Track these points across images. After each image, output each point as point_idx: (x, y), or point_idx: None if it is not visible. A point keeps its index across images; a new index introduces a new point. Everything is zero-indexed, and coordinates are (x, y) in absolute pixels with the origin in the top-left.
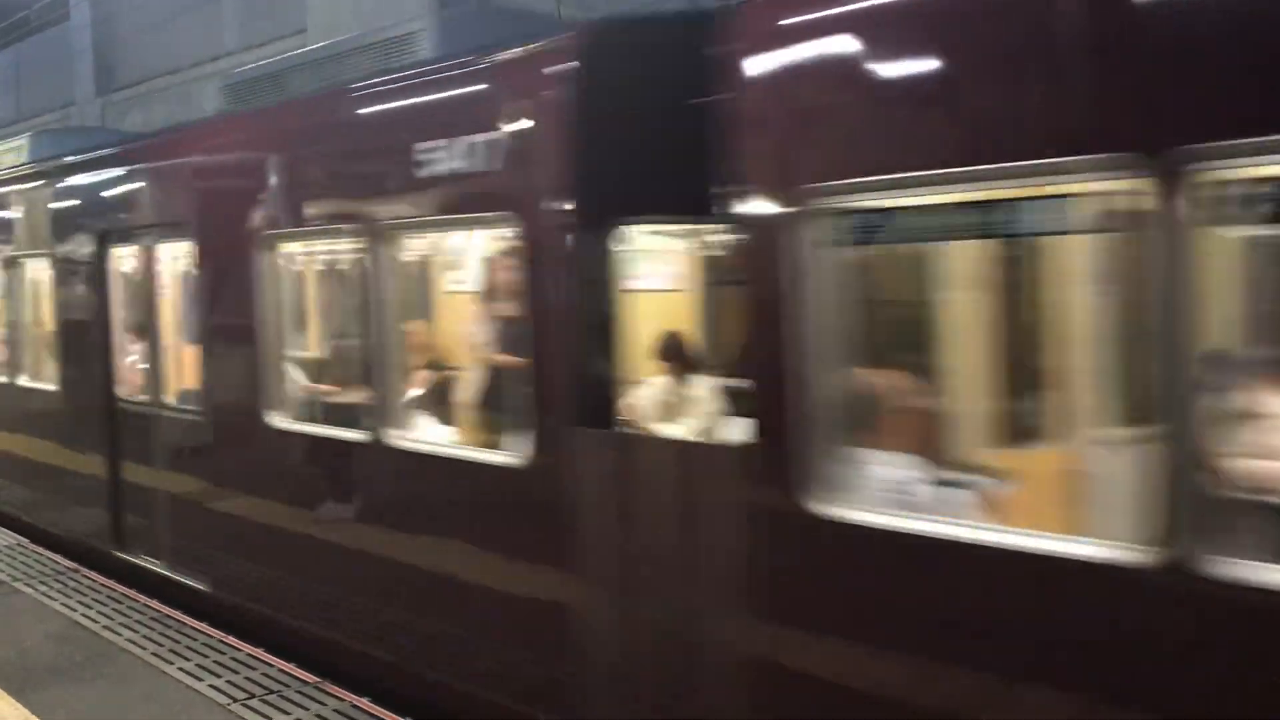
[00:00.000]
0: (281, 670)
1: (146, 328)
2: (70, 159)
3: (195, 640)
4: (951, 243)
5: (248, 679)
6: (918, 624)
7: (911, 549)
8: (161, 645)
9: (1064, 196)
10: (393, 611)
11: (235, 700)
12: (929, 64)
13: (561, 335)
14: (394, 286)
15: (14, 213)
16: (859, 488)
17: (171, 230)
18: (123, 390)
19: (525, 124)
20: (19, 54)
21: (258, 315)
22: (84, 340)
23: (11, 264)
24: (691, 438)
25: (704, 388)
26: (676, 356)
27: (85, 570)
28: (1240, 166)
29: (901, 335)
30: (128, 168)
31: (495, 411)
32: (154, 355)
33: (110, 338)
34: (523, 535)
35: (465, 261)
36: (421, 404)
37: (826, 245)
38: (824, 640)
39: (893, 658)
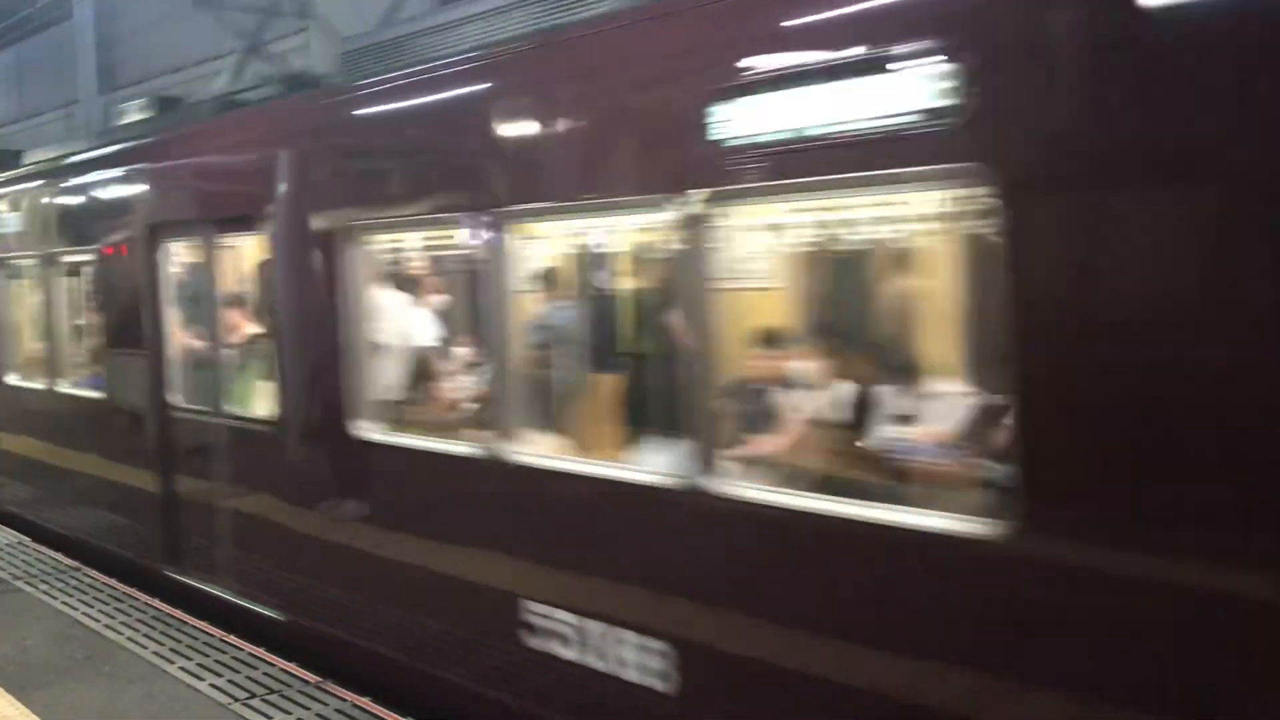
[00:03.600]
0: (283, 670)
1: None
2: None
3: (196, 639)
4: None
5: (248, 678)
6: None
7: None
8: (162, 644)
9: None
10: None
11: (236, 700)
12: None
13: None
14: None
15: None
16: None
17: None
18: None
19: None
20: (21, 52)
21: None
22: None
23: None
24: None
25: None
26: None
27: (86, 569)
28: None
29: None
30: None
31: None
32: None
33: None
34: None
35: None
36: None
37: None
38: None
39: None
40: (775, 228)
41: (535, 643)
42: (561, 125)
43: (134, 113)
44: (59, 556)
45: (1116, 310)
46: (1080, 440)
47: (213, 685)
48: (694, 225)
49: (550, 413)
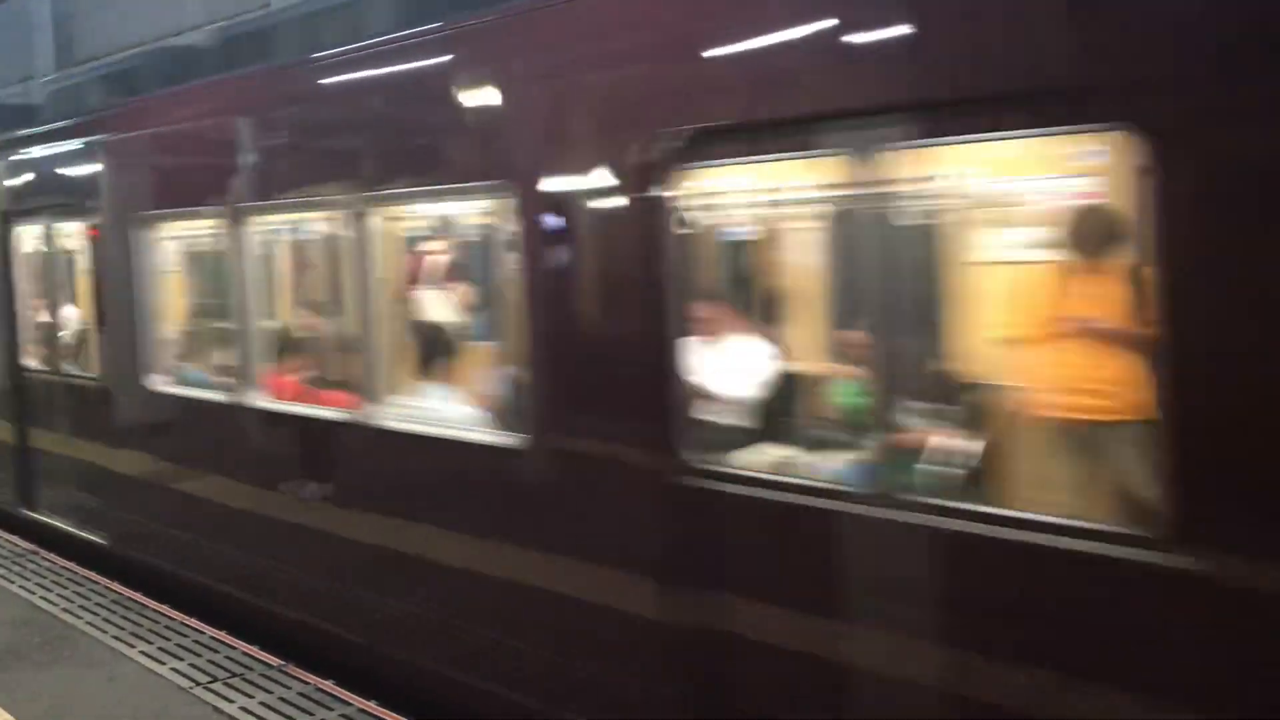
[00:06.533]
0: (245, 653)
1: None
2: None
3: (157, 623)
4: None
5: (210, 662)
6: None
7: None
8: (123, 628)
9: None
10: None
11: (197, 684)
12: None
13: None
14: None
15: None
16: None
17: None
18: None
19: None
20: None
21: None
22: None
23: None
24: None
25: None
26: None
27: (44, 552)
28: None
29: None
30: None
31: None
32: None
33: None
34: None
35: None
36: None
37: None
38: None
39: None
40: None
41: None
42: None
43: None
44: (17, 540)
45: None
46: None
47: (174, 669)
48: None
49: None
